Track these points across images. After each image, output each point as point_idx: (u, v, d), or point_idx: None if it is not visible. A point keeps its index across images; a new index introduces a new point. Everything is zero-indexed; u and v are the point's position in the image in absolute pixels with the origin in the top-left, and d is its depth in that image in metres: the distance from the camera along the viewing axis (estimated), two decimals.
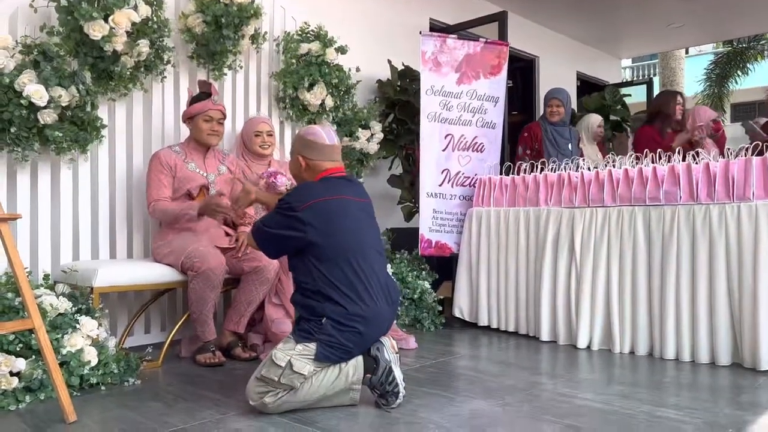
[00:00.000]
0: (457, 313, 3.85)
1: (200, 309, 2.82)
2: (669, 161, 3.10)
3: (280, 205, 2.22)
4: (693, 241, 2.88)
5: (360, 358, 2.15)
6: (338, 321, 2.08)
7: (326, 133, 2.33)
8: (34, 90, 2.62)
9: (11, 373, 2.22)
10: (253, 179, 3.37)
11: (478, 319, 3.75)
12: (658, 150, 3.29)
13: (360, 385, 2.14)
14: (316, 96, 3.78)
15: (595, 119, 4.88)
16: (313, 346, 2.07)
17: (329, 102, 3.85)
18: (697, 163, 2.99)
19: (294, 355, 2.06)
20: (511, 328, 3.59)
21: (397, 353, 2.20)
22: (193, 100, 3.08)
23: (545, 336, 3.36)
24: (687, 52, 15.15)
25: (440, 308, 3.83)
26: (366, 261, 2.18)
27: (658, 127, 4.31)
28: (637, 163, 3.22)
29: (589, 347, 3.16)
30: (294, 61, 3.81)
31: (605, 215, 3.19)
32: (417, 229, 4.02)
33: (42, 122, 2.70)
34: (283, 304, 3.02)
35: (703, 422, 1.98)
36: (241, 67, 3.67)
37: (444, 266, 4.30)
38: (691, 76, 13.59)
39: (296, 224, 2.15)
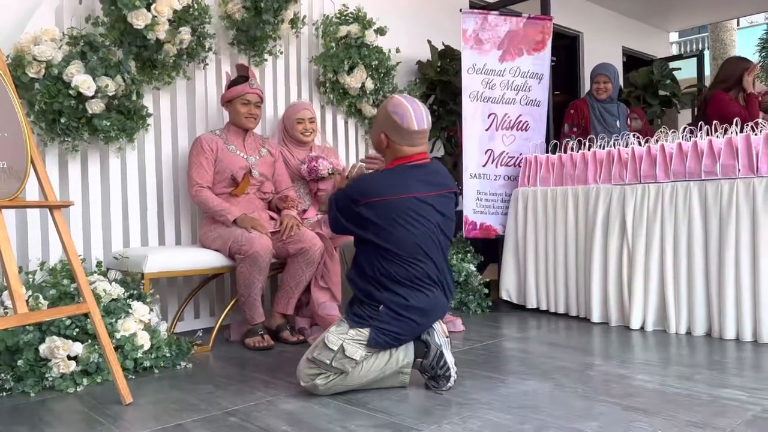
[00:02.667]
0: (504, 296, 3.79)
1: (248, 292, 2.84)
2: (753, 130, 2.87)
3: (347, 189, 2.19)
4: (753, 215, 2.74)
5: (411, 343, 2.14)
6: (396, 311, 2.06)
7: (416, 117, 2.11)
8: (82, 80, 2.66)
9: (69, 357, 2.28)
10: (294, 164, 3.37)
11: (526, 301, 3.68)
12: (735, 119, 3.05)
13: (410, 369, 2.13)
14: (356, 79, 3.75)
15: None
16: (366, 331, 2.06)
17: (369, 85, 3.82)
18: (756, 134, 2.84)
19: (347, 340, 2.05)
20: (561, 310, 3.51)
21: (447, 337, 2.17)
22: (230, 84, 3.10)
23: (596, 317, 3.27)
24: (738, 24, 14.50)
25: (486, 291, 3.78)
26: (427, 256, 2.11)
27: (730, 95, 4.00)
28: (715, 133, 3.01)
29: (642, 328, 3.07)
30: (333, 44, 3.78)
31: (658, 192, 3.08)
32: (461, 213, 3.96)
33: (90, 112, 2.75)
34: (329, 288, 3.02)
35: None
36: (281, 53, 3.67)
37: (489, 248, 4.23)
38: (743, 48, 13.00)
39: (356, 218, 2.12)
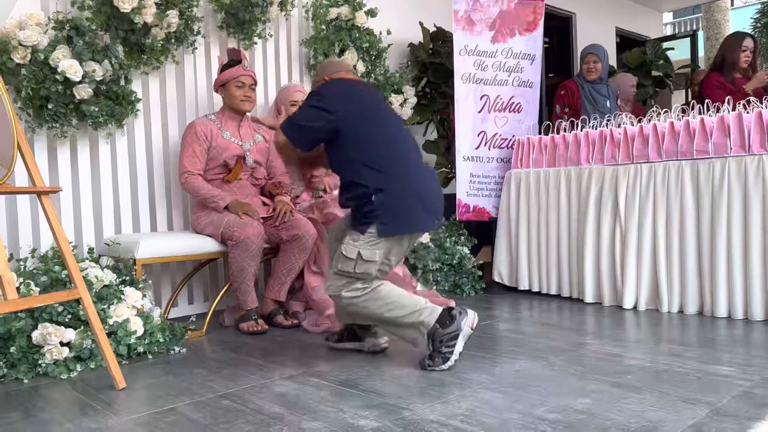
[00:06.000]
0: (496, 278, 3.80)
1: (241, 278, 2.84)
2: (745, 109, 2.89)
3: (309, 97, 2.27)
4: (745, 194, 2.75)
5: (438, 308, 2.15)
6: (387, 190, 2.13)
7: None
8: (68, 65, 2.63)
9: (62, 344, 2.27)
10: None
11: (518, 283, 3.69)
12: (727, 98, 3.05)
13: (426, 330, 2.13)
14: (348, 61, 3.72)
15: (628, 79, 4.68)
16: (373, 228, 2.12)
17: (361, 67, 3.80)
18: (748, 112, 2.84)
19: (361, 245, 2.12)
20: (553, 291, 3.52)
21: (473, 330, 2.17)
22: (223, 68, 3.07)
23: (589, 298, 3.29)
24: (732, 4, 14.43)
25: (480, 273, 3.78)
26: (406, 151, 2.23)
27: (724, 73, 4.00)
28: (707, 112, 3.01)
29: (635, 308, 3.08)
30: (323, 26, 3.75)
31: (650, 171, 3.08)
32: (454, 196, 3.96)
33: (78, 97, 2.72)
34: (322, 272, 3.02)
35: (761, 378, 1.91)
36: (270, 36, 3.64)
37: (483, 231, 4.24)
38: (737, 28, 12.96)
39: (325, 113, 2.19)
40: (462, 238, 3.86)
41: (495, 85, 3.89)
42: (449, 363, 2.11)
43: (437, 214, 2.26)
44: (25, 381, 2.19)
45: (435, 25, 4.53)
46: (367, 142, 2.18)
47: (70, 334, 2.29)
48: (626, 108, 4.60)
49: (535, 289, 3.62)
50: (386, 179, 2.14)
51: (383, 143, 2.19)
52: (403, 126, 2.36)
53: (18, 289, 2.30)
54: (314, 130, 2.21)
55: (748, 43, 4.00)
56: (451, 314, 2.13)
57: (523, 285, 3.66)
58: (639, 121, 3.30)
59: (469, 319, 2.15)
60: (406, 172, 2.18)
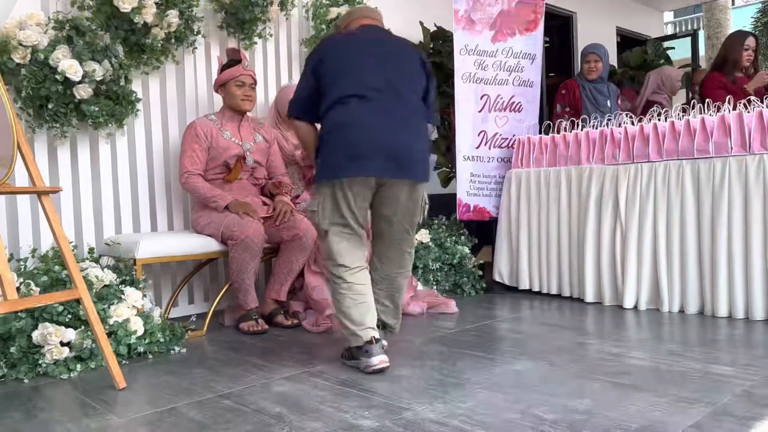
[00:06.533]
0: (497, 278, 3.79)
1: (241, 277, 2.84)
2: (746, 108, 2.89)
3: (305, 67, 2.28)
4: (746, 193, 2.74)
5: (363, 338, 2.12)
6: (329, 136, 2.13)
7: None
8: (68, 65, 2.63)
9: (62, 343, 2.27)
10: (288, 149, 3.35)
11: (518, 282, 3.69)
12: (728, 97, 3.03)
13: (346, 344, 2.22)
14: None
15: (676, 73, 4.64)
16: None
17: None
18: (749, 111, 2.83)
19: (315, 201, 2.21)
20: (554, 291, 3.52)
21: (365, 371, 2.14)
22: (223, 68, 3.07)
23: (590, 297, 3.28)
24: (733, 3, 14.41)
25: (480, 273, 3.78)
26: (374, 87, 2.14)
27: (724, 72, 3.97)
28: (708, 112, 3.01)
29: (636, 307, 3.08)
30: (324, 26, 3.74)
31: (651, 171, 3.07)
32: (454, 195, 3.96)
33: (78, 97, 2.72)
34: (322, 272, 3.02)
35: (762, 378, 1.90)
36: (271, 35, 3.63)
37: (483, 231, 4.23)
38: (738, 27, 12.95)
39: (308, 75, 2.22)
40: (462, 237, 3.85)
41: (495, 84, 3.89)
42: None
43: (378, 161, 2.09)
44: (26, 381, 2.19)
45: (435, 25, 4.53)
46: (328, 87, 2.16)
47: (71, 334, 2.29)
48: (669, 104, 4.56)
49: (536, 288, 3.61)
50: (331, 124, 2.13)
51: (348, 87, 2.13)
52: (405, 72, 2.24)
53: (18, 289, 2.30)
54: (308, 96, 2.24)
55: (750, 41, 3.98)
56: (362, 349, 2.11)
57: (524, 285, 3.65)
58: (639, 120, 3.29)
59: (367, 365, 2.10)
60: (357, 117, 2.11)
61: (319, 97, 2.21)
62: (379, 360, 2.09)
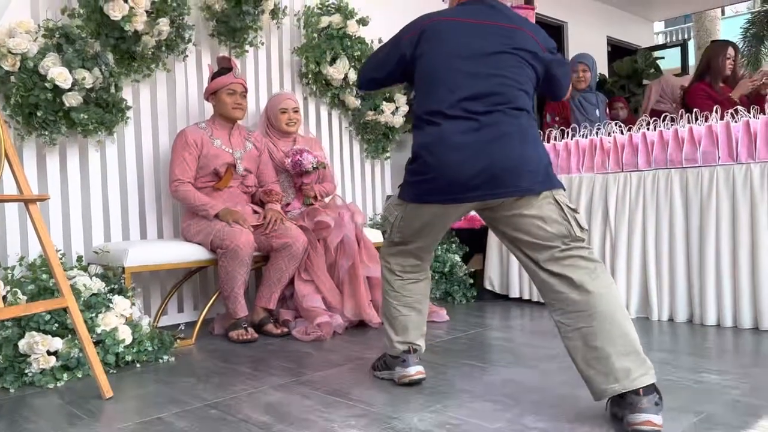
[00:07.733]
0: (488, 286, 3.79)
1: (231, 286, 2.83)
2: (733, 118, 2.91)
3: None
4: (733, 202, 2.76)
5: (400, 348, 2.09)
6: (419, 151, 1.82)
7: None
8: (57, 72, 2.63)
9: (49, 353, 2.25)
10: (279, 157, 3.35)
11: (509, 291, 3.69)
12: (715, 107, 3.06)
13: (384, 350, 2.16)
14: (339, 70, 3.73)
15: (678, 81, 4.66)
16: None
17: (352, 75, 3.80)
18: (736, 121, 2.86)
19: (392, 200, 2.04)
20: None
21: (397, 382, 2.10)
22: (214, 76, 3.07)
23: None
24: (723, 13, 14.58)
25: (471, 281, 3.78)
26: (460, 84, 1.78)
27: (708, 82, 3.98)
28: (696, 121, 3.02)
29: None
30: (315, 35, 3.76)
31: (640, 180, 3.09)
32: None
33: (67, 105, 2.71)
34: (313, 280, 3.01)
35: (750, 387, 1.91)
36: (262, 44, 3.64)
37: (474, 239, 4.23)
38: (727, 38, 13.09)
39: (398, 51, 1.98)
40: (453, 245, 3.86)
41: None
42: (375, 373, 2.20)
43: (459, 187, 1.74)
44: (12, 390, 2.16)
45: None
46: (418, 89, 1.88)
47: (57, 343, 2.27)
48: (675, 112, 4.58)
49: (526, 297, 3.62)
50: (422, 138, 1.82)
51: (430, 86, 1.84)
52: (496, 60, 1.79)
53: (5, 297, 2.28)
54: (387, 68, 2.05)
55: (731, 51, 4.03)
56: (399, 358, 2.08)
57: (514, 293, 3.66)
58: (629, 129, 3.31)
59: (403, 374, 2.06)
60: (434, 117, 1.80)
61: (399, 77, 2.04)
62: (416, 371, 2.06)
